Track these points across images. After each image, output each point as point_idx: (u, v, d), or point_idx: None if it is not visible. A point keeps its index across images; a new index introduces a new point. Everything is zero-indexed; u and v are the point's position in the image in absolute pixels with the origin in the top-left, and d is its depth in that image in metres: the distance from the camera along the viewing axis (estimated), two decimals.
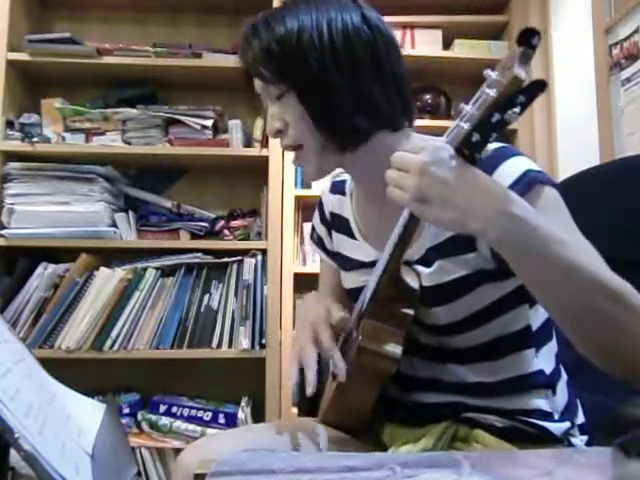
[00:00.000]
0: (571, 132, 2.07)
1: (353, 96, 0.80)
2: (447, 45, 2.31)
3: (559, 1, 2.18)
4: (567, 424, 0.85)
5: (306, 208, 2.26)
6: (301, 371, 0.86)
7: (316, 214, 1.09)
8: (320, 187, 2.16)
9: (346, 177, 1.02)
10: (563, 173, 2.05)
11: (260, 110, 2.14)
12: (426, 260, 0.83)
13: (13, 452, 0.53)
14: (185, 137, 2.10)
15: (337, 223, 1.01)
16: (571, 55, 2.06)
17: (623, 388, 0.70)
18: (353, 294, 0.95)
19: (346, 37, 0.79)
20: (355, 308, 0.93)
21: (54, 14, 2.31)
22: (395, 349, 0.79)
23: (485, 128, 0.62)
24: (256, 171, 2.16)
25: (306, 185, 2.20)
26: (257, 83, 0.87)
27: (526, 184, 0.74)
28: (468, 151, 0.63)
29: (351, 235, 0.97)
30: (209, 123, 2.10)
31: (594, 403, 0.90)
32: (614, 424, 0.45)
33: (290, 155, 2.24)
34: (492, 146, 0.78)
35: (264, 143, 2.09)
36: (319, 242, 1.08)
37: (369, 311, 0.84)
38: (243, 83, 0.91)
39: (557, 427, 0.84)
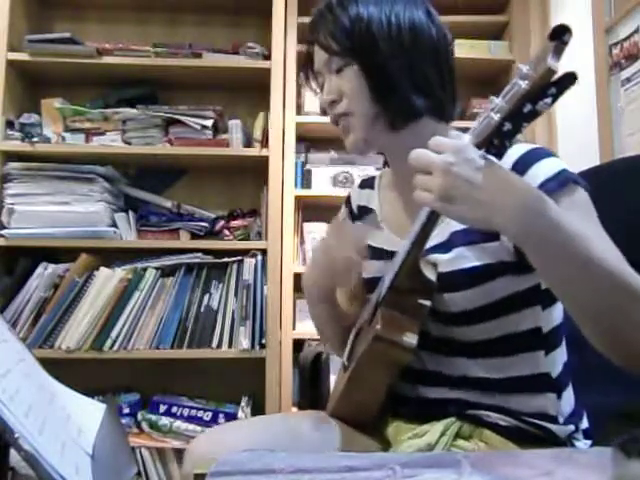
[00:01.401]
0: (571, 132, 2.07)
1: (412, 76, 0.86)
2: None
3: (559, 1, 2.18)
4: (571, 427, 0.85)
5: (306, 208, 2.26)
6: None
7: (343, 209, 1.12)
8: (320, 187, 2.18)
9: (375, 174, 1.07)
10: None
11: (260, 110, 2.15)
12: (446, 246, 0.85)
13: (13, 452, 0.53)
14: (185, 137, 2.10)
15: (364, 214, 1.04)
16: (571, 55, 2.05)
17: (623, 389, 0.70)
18: (371, 284, 0.95)
19: (412, 27, 0.87)
20: (372, 298, 0.93)
21: (54, 14, 2.31)
22: (411, 339, 0.80)
23: (517, 118, 0.64)
24: (256, 171, 2.16)
25: (306, 185, 2.20)
26: (320, 57, 0.92)
27: (562, 181, 0.76)
28: (498, 140, 0.65)
29: (377, 224, 0.99)
30: (209, 123, 2.10)
31: (596, 404, 0.90)
32: (623, 420, 0.45)
33: (290, 155, 2.22)
34: (528, 146, 0.81)
35: (264, 143, 2.09)
36: None
37: (386, 301, 0.84)
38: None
39: (561, 430, 0.84)
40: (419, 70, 0.86)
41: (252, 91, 2.18)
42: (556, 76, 0.62)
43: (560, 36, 0.62)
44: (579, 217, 0.72)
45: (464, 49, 2.27)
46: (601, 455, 0.52)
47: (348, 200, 1.11)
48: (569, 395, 0.89)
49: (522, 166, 0.79)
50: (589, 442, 0.87)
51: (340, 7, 0.88)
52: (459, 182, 0.65)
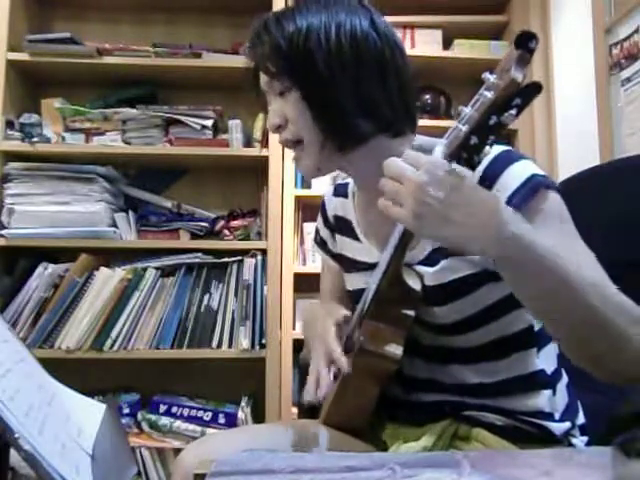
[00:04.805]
0: (571, 132, 2.07)
1: (355, 97, 0.81)
2: (447, 45, 2.31)
3: (559, 1, 2.18)
4: (567, 424, 0.85)
5: (306, 208, 2.26)
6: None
7: (319, 217, 1.09)
8: (320, 187, 2.18)
9: (349, 180, 1.02)
10: (563, 173, 2.05)
11: (260, 110, 2.14)
12: (431, 259, 0.83)
13: (13, 452, 0.53)
14: (185, 137, 2.10)
15: (340, 225, 1.02)
16: (571, 55, 2.06)
17: (622, 388, 0.71)
18: (355, 296, 0.95)
19: (353, 40, 0.81)
20: (356, 310, 0.93)
21: (54, 14, 2.31)
22: (396, 350, 0.80)
23: (483, 130, 0.62)
24: (256, 171, 2.16)
25: (306, 185, 2.20)
26: (262, 78, 0.88)
27: (531, 189, 0.74)
28: (467, 154, 0.63)
29: (354, 237, 0.97)
30: (209, 123, 2.10)
31: (594, 403, 0.90)
32: (614, 425, 0.45)
33: (291, 155, 2.23)
34: (497, 150, 0.78)
35: (264, 143, 2.09)
36: (322, 245, 1.08)
37: (370, 312, 0.84)
38: (247, 82, 0.92)
39: (557, 427, 0.84)
40: (363, 90, 0.81)
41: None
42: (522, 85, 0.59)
43: (526, 43, 0.59)
44: (553, 228, 0.72)
45: (464, 49, 2.27)
46: (601, 455, 0.52)
47: (323, 208, 1.08)
48: (563, 389, 0.89)
49: (492, 175, 0.77)
50: (585, 439, 0.88)
51: (276, 24, 0.83)
52: (434, 202, 0.62)
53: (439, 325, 0.85)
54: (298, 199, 2.20)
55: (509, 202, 0.74)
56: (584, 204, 0.80)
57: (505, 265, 0.67)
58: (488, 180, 0.77)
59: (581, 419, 0.89)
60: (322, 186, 2.18)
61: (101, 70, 2.13)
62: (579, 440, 0.87)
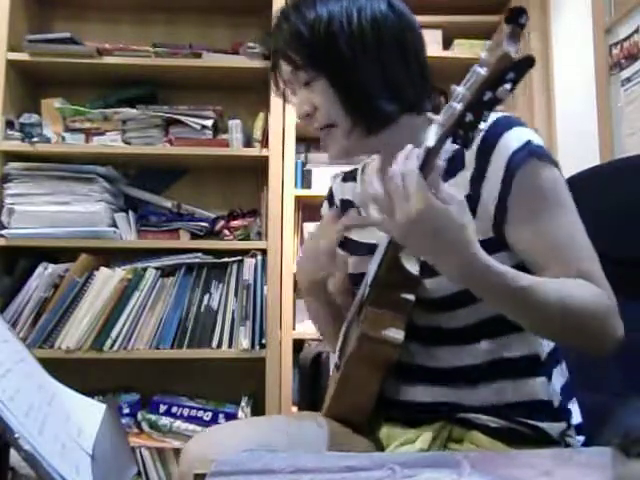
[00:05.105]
0: (571, 132, 2.07)
1: (380, 80, 0.83)
2: (447, 45, 2.31)
3: (559, 1, 2.18)
4: (563, 424, 0.84)
5: (306, 208, 2.26)
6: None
7: (325, 205, 1.11)
8: (320, 187, 2.17)
9: (357, 166, 1.05)
10: (563, 173, 2.05)
11: (260, 110, 2.15)
12: None
13: (13, 452, 0.53)
14: (185, 137, 2.10)
15: (347, 208, 1.03)
16: (571, 55, 2.06)
17: (623, 388, 0.71)
18: (355, 279, 0.95)
19: (374, 24, 0.83)
20: (357, 295, 0.93)
21: (54, 14, 2.31)
22: (396, 334, 0.80)
23: (478, 107, 0.63)
24: (256, 171, 2.16)
25: (306, 185, 2.20)
26: (285, 69, 0.89)
27: (525, 155, 0.77)
28: (463, 131, 0.64)
29: None
30: (209, 123, 2.10)
31: (593, 403, 0.90)
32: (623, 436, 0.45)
33: (290, 155, 2.22)
34: (496, 115, 0.80)
35: (264, 143, 2.09)
36: None
37: (370, 298, 0.84)
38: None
39: (553, 427, 0.83)
40: (387, 72, 0.83)
41: (252, 91, 2.18)
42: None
43: (516, 18, 0.60)
44: (537, 203, 0.77)
45: (464, 49, 2.27)
46: (601, 455, 0.52)
47: (330, 195, 1.10)
48: (559, 376, 0.88)
49: (492, 137, 0.79)
50: (582, 438, 0.87)
51: (296, 13, 0.85)
52: (415, 237, 0.68)
53: (432, 300, 0.85)
54: (298, 199, 2.20)
55: (509, 164, 0.78)
56: (584, 204, 0.80)
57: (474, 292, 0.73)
58: (489, 142, 0.79)
59: (577, 419, 0.88)
60: (322, 186, 2.18)
61: (101, 70, 2.13)
62: (575, 440, 0.86)
